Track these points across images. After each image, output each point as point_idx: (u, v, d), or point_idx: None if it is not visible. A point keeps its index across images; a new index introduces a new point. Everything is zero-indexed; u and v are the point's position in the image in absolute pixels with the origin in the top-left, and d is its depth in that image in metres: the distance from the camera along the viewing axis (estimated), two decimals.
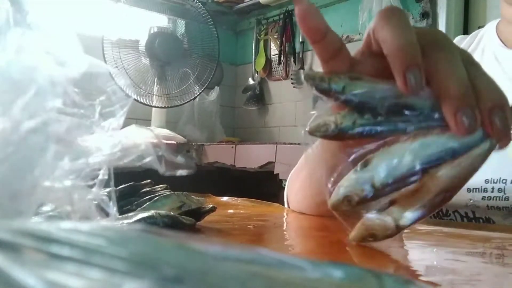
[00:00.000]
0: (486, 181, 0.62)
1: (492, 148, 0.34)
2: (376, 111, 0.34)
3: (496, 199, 0.62)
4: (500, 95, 0.33)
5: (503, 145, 0.34)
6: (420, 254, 0.46)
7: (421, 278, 0.34)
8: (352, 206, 0.36)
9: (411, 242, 0.50)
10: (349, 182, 0.36)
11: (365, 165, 0.35)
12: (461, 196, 0.64)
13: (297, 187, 0.67)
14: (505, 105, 0.33)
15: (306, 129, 0.36)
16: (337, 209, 0.37)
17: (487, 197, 0.62)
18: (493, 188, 0.62)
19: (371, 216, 0.37)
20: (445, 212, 0.66)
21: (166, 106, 2.45)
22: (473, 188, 0.63)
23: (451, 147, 0.34)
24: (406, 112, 0.34)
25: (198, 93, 2.48)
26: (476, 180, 0.63)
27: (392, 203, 0.36)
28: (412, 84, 0.32)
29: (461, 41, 0.81)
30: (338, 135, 0.35)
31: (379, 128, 0.34)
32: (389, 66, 0.33)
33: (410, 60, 0.32)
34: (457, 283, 0.32)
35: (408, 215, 0.36)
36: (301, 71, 2.70)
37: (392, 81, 0.34)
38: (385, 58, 0.34)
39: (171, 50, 2.36)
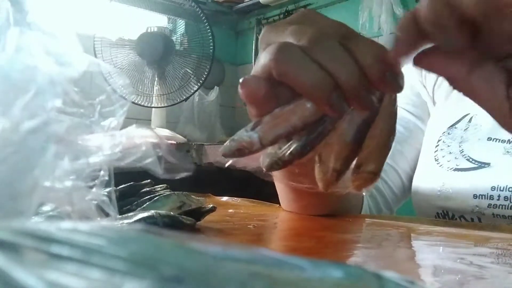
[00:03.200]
0: (493, 188, 0.61)
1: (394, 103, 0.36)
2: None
3: (501, 208, 0.60)
4: (379, 53, 0.33)
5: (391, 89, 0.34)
6: (421, 254, 0.46)
7: (422, 278, 0.34)
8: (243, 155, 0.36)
9: (412, 242, 0.50)
10: (241, 137, 0.36)
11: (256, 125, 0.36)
12: (467, 202, 0.63)
13: (280, 189, 0.66)
14: (386, 61, 0.33)
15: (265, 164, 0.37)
16: (226, 156, 0.37)
17: (493, 204, 0.61)
18: (499, 196, 0.61)
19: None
20: (451, 216, 0.66)
21: (164, 105, 2.45)
22: (479, 195, 0.62)
23: None
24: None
25: (194, 91, 2.47)
26: (483, 186, 0.62)
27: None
28: (337, 108, 0.33)
29: None
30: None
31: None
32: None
33: (324, 94, 0.33)
34: (457, 283, 0.32)
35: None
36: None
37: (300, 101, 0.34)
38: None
39: (161, 49, 2.35)
